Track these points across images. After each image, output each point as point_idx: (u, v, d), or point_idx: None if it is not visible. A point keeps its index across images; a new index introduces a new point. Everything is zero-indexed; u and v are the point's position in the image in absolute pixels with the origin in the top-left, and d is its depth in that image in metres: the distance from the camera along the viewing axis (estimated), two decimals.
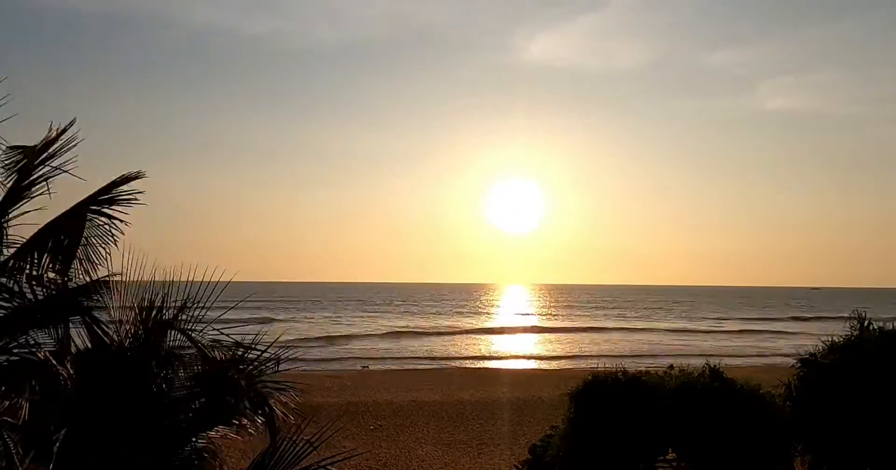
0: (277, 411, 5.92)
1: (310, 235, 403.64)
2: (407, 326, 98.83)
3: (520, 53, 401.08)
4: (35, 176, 6.36)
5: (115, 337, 6.05)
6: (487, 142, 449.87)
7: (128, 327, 6.05)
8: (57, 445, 5.44)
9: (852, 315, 13.30)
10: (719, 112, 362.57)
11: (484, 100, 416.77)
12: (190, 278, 6.03)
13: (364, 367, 26.36)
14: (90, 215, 6.34)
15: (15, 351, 5.71)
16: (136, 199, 6.43)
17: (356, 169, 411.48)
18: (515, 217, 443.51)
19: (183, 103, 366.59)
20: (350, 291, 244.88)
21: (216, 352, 6.01)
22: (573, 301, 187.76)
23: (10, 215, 6.30)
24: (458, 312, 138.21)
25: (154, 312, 6.06)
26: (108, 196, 6.35)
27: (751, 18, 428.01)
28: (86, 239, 6.32)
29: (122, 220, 6.48)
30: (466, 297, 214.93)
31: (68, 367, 5.70)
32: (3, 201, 6.26)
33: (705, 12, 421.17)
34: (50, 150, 6.40)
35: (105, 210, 6.36)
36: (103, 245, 6.46)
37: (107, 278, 6.35)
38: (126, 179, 6.46)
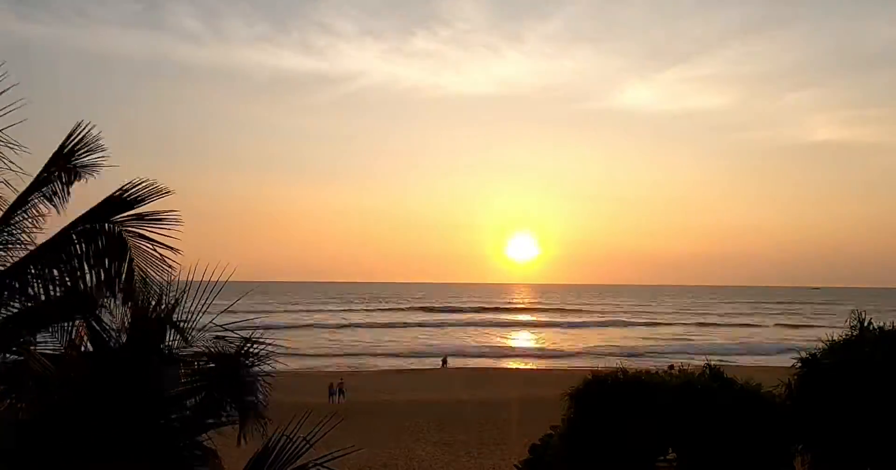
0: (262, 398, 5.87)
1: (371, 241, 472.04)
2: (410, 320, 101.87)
3: (610, 101, 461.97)
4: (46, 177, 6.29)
5: (115, 336, 6.03)
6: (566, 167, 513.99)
7: (127, 326, 6.03)
8: (56, 444, 5.44)
9: (852, 315, 13.30)
10: (772, 142, 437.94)
11: (577, 136, 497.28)
12: (190, 277, 5.97)
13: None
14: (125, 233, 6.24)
15: (17, 350, 5.71)
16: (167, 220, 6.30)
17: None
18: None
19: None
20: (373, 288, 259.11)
21: (217, 347, 5.98)
22: None
23: (18, 216, 6.27)
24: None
25: (153, 311, 6.03)
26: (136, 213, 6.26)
27: (808, 68, 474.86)
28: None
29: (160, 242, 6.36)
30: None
31: (69, 366, 5.70)
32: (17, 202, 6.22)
33: (779, 65, 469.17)
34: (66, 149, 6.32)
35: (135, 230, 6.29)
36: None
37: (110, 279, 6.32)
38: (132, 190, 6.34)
